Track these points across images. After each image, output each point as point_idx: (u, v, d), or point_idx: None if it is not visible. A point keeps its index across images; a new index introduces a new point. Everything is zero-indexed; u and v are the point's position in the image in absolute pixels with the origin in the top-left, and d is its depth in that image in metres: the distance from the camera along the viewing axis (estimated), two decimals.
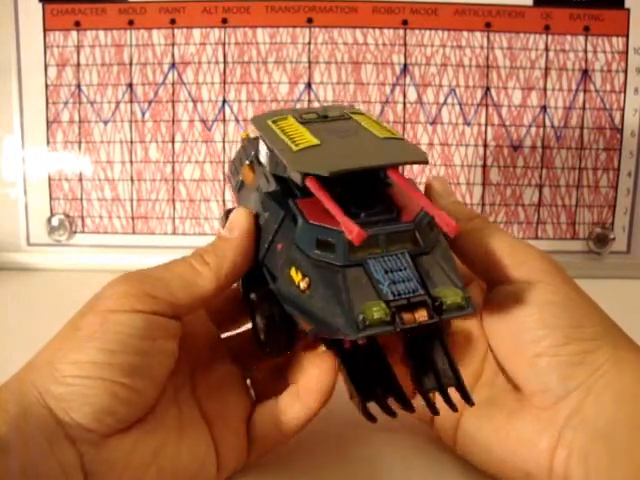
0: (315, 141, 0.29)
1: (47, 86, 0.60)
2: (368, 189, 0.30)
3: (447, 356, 0.30)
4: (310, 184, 0.28)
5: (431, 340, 0.30)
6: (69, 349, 0.28)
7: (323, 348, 0.32)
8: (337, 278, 0.26)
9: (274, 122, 0.32)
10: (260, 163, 0.34)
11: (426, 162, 0.29)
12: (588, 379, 0.29)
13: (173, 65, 0.60)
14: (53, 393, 0.27)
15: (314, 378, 0.31)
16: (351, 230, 0.25)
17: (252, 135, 0.38)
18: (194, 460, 0.31)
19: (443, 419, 0.34)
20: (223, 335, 0.36)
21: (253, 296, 0.31)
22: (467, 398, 0.29)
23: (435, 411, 0.30)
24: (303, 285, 0.27)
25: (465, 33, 0.59)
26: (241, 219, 0.31)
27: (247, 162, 0.35)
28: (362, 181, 0.29)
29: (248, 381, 0.36)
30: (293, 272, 0.28)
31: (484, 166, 0.60)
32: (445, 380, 0.30)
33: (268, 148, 0.31)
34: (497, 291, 0.31)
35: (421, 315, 0.26)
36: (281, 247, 0.29)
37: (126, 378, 0.28)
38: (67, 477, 0.27)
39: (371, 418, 0.29)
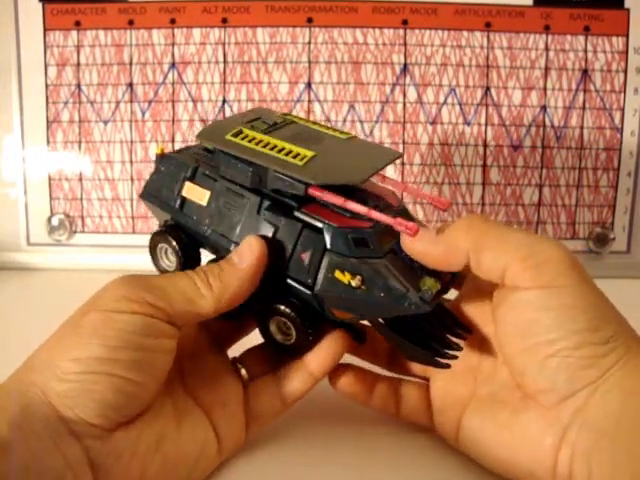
0: (310, 153, 0.32)
1: (47, 86, 0.60)
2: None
3: (440, 306, 0.34)
4: (316, 192, 0.31)
5: None
6: (70, 346, 0.29)
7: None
8: (385, 268, 0.31)
9: (235, 136, 0.34)
10: (213, 179, 0.35)
11: (401, 155, 0.37)
12: (596, 381, 0.28)
13: (173, 65, 0.60)
14: (56, 390, 0.28)
15: (328, 350, 0.34)
16: (411, 227, 0.30)
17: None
18: (195, 445, 0.32)
19: (444, 417, 0.34)
20: None
21: (284, 308, 0.33)
22: (467, 329, 0.34)
23: (459, 347, 0.33)
24: (356, 283, 0.30)
25: (465, 33, 0.59)
26: (252, 248, 0.32)
27: (187, 180, 0.36)
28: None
29: (243, 370, 0.36)
30: (339, 274, 0.31)
31: (484, 166, 0.60)
32: (451, 324, 0.34)
33: (247, 163, 0.33)
34: (514, 296, 0.30)
35: (447, 276, 0.32)
36: (307, 256, 0.32)
37: (130, 373, 0.28)
38: (73, 471, 0.27)
39: (446, 366, 0.32)
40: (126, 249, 0.61)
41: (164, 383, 0.31)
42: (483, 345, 0.34)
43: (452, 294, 0.35)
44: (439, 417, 0.34)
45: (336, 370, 0.35)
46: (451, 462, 0.35)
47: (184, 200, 0.36)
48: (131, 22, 0.60)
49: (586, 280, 0.30)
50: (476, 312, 0.34)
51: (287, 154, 0.32)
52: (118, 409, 0.28)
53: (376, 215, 0.31)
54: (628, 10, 0.58)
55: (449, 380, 0.35)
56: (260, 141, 0.33)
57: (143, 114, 0.60)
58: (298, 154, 0.32)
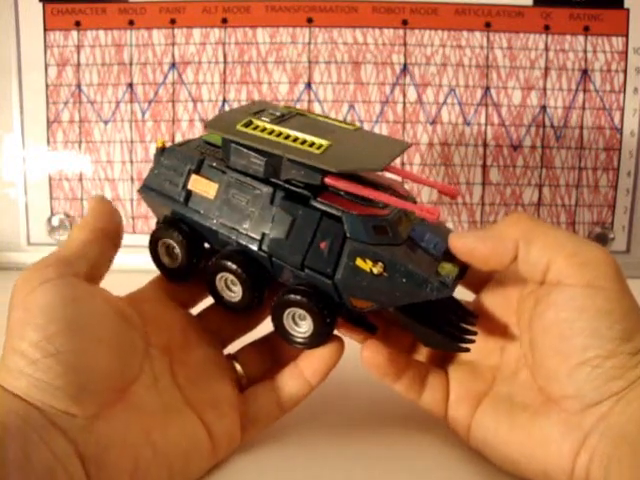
0: (325, 142, 0.32)
1: (47, 86, 0.60)
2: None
3: (452, 299, 0.34)
4: (333, 181, 0.31)
5: None
6: (12, 339, 0.28)
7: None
8: (405, 254, 0.31)
9: (246, 126, 0.33)
10: (221, 171, 0.34)
11: (411, 145, 0.36)
12: (622, 391, 0.28)
13: (173, 65, 0.60)
14: (20, 387, 0.28)
15: (322, 358, 0.34)
16: (432, 211, 0.30)
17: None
18: (184, 437, 0.32)
19: (458, 411, 0.34)
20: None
21: (301, 298, 0.32)
22: (474, 315, 0.35)
23: (475, 332, 0.34)
24: (377, 270, 0.30)
25: (465, 33, 0.59)
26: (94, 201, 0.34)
27: (192, 172, 0.35)
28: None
29: (238, 366, 0.36)
30: (360, 262, 0.31)
31: (484, 166, 0.60)
32: (460, 312, 0.35)
33: (260, 153, 0.32)
34: (555, 292, 0.30)
35: (462, 262, 0.32)
36: (326, 245, 0.31)
37: (69, 344, 0.28)
38: (62, 465, 0.27)
39: (466, 349, 0.33)
40: (126, 249, 0.60)
41: (146, 376, 0.31)
42: (507, 346, 0.34)
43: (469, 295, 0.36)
44: (452, 411, 0.34)
45: (370, 348, 0.35)
46: (460, 458, 0.35)
47: (189, 193, 0.35)
48: (131, 22, 0.60)
49: (625, 286, 0.30)
50: (501, 314, 0.34)
51: (302, 143, 0.32)
52: (84, 388, 0.28)
53: (396, 201, 0.31)
54: (628, 10, 0.58)
55: (468, 374, 0.35)
56: (272, 131, 0.33)
57: (143, 114, 0.60)
58: (313, 143, 0.32)
